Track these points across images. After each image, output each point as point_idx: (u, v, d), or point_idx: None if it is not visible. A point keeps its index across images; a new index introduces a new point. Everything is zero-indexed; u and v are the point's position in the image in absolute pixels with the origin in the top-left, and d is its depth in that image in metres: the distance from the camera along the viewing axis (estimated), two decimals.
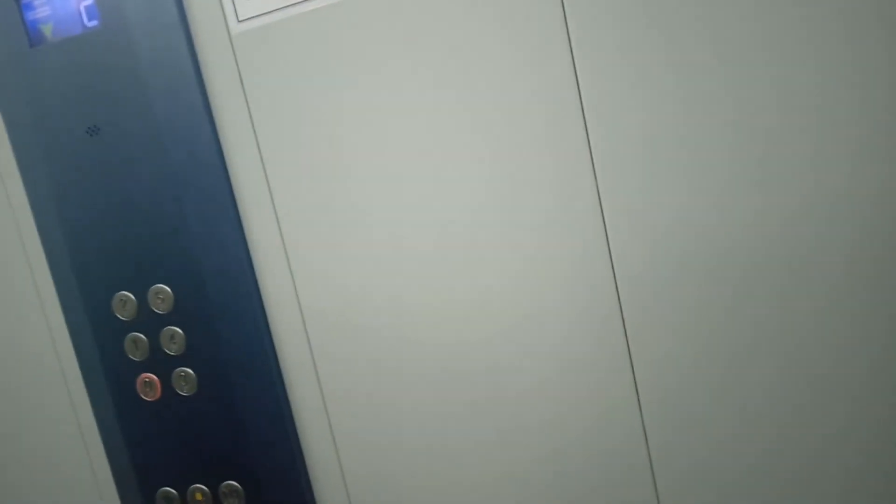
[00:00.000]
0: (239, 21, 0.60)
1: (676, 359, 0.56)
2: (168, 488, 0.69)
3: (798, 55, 0.50)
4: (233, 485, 0.67)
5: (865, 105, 0.49)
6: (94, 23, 0.61)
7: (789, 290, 0.53)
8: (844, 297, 0.52)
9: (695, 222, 0.54)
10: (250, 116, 0.61)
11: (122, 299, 0.66)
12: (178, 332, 0.65)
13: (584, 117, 0.54)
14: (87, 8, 0.61)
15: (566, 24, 0.54)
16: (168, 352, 0.66)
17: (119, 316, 0.66)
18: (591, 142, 0.55)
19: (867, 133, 0.49)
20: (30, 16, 0.63)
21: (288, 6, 0.58)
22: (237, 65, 0.60)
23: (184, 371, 0.66)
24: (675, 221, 0.54)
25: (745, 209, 0.53)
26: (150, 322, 0.66)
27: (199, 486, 0.68)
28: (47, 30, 0.63)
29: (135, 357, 0.67)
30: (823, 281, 0.52)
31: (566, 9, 0.53)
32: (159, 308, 0.65)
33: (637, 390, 0.57)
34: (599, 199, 0.55)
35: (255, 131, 0.61)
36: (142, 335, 0.66)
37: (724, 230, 0.53)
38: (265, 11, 0.59)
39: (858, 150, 0.50)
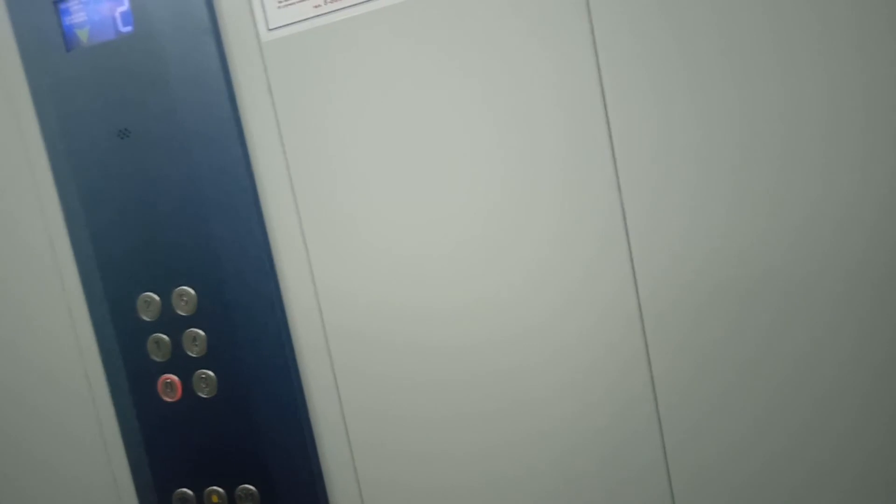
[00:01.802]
0: (269, 29, 0.60)
1: (694, 362, 0.56)
2: (185, 489, 0.69)
3: (814, 71, 0.49)
4: (249, 488, 0.67)
5: (884, 117, 0.49)
6: (128, 28, 0.62)
7: (803, 292, 0.53)
8: (857, 301, 0.51)
9: (714, 224, 0.53)
10: (277, 123, 0.62)
11: (146, 300, 0.67)
12: (200, 333, 0.66)
13: (607, 120, 0.54)
14: (122, 14, 0.62)
15: (593, 34, 0.54)
16: (190, 353, 0.66)
17: (143, 316, 0.67)
18: (614, 144, 0.55)
19: (883, 143, 0.49)
20: (67, 20, 0.64)
21: (317, 16, 0.59)
22: (266, 73, 0.61)
23: (205, 373, 0.66)
24: (695, 223, 0.54)
25: (761, 213, 0.52)
26: (173, 323, 0.66)
27: (215, 488, 0.68)
28: (83, 34, 0.64)
29: (157, 358, 0.68)
30: (837, 284, 0.51)
31: (593, 22, 0.53)
32: (182, 310, 0.66)
33: (655, 392, 0.57)
34: (622, 203, 0.55)
35: (281, 138, 0.62)
36: (164, 336, 0.67)
37: (743, 233, 0.53)
38: (295, 21, 0.59)
39: (871, 160, 0.49)
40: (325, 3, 0.58)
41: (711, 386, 0.56)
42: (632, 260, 0.56)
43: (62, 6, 0.64)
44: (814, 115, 0.50)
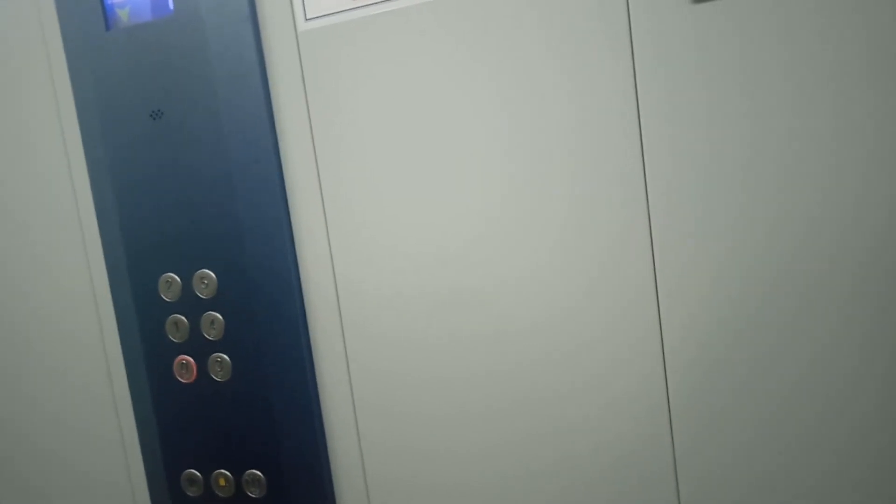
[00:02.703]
0: (307, 19, 0.61)
1: (709, 367, 0.55)
2: (193, 470, 0.70)
3: (824, 96, 0.49)
4: (256, 474, 0.68)
5: None
6: (168, 11, 0.63)
7: (815, 299, 0.52)
8: (863, 311, 0.50)
9: (733, 228, 0.53)
10: (308, 112, 0.62)
11: (167, 280, 0.67)
12: (218, 317, 0.66)
13: (639, 122, 0.54)
14: None
15: (631, 44, 0.53)
16: (207, 336, 0.67)
17: (163, 297, 0.68)
18: (644, 144, 0.54)
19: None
20: (108, 0, 0.65)
21: (355, 8, 0.59)
22: (300, 61, 0.61)
23: (220, 357, 0.67)
24: (717, 226, 0.53)
25: (769, 215, 0.51)
26: (192, 305, 0.67)
27: (223, 471, 0.69)
28: (124, 14, 0.65)
29: (175, 338, 0.68)
30: (849, 290, 0.51)
31: (634, 47, 0.53)
32: (202, 293, 0.66)
33: (668, 396, 0.56)
34: (648, 211, 0.55)
35: (311, 128, 0.62)
36: (183, 317, 0.67)
37: (760, 239, 0.52)
38: (333, 11, 0.60)
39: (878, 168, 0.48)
40: None
41: (725, 390, 0.55)
42: (654, 264, 0.55)
43: None
44: (822, 130, 0.50)
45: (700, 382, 0.55)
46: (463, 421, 0.62)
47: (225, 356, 0.67)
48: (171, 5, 0.63)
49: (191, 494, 0.71)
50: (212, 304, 0.66)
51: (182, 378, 0.69)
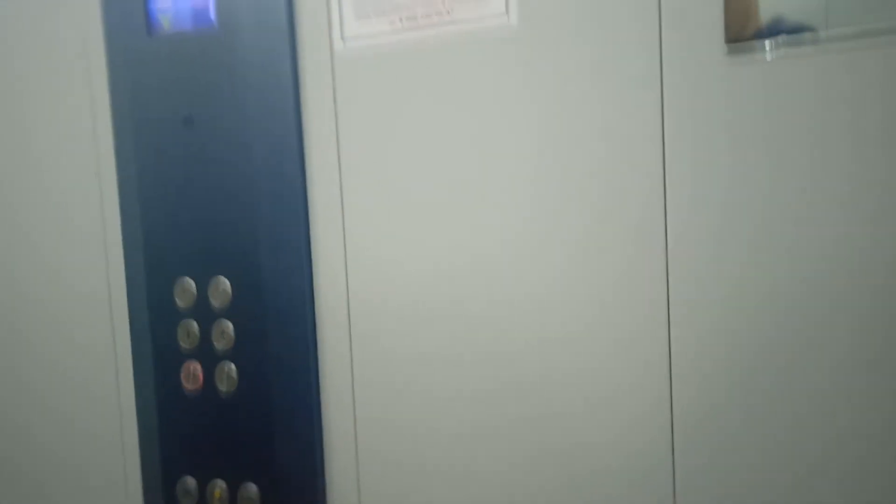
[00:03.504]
0: (343, 39, 0.61)
1: (717, 395, 0.54)
2: (189, 478, 0.70)
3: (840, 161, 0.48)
4: (251, 487, 0.67)
5: None
6: (209, 20, 0.64)
7: (826, 331, 0.51)
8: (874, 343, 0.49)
9: (747, 256, 0.52)
10: (337, 130, 0.62)
11: (183, 285, 0.68)
12: (229, 327, 0.66)
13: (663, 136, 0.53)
14: (206, 6, 0.64)
15: (662, 69, 0.53)
16: (216, 345, 0.67)
17: (178, 301, 0.68)
18: (666, 162, 0.53)
19: None
20: (153, 5, 0.66)
21: (392, 33, 0.59)
22: (334, 80, 0.62)
23: (227, 366, 0.67)
24: (732, 250, 0.52)
25: (783, 252, 0.50)
26: (205, 312, 0.67)
27: (219, 481, 0.68)
28: (166, 21, 0.66)
29: (184, 344, 0.68)
30: (859, 323, 0.49)
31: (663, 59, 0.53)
32: (216, 300, 0.66)
33: (672, 420, 0.55)
34: (666, 230, 0.54)
35: (338, 145, 0.63)
36: (195, 324, 0.68)
37: (771, 273, 0.51)
38: (370, 34, 0.60)
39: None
40: (401, 21, 0.59)
41: (731, 422, 0.54)
42: (668, 297, 0.54)
43: None
44: (838, 188, 0.49)
45: (706, 412, 0.54)
46: (467, 439, 0.61)
47: (232, 366, 0.67)
48: (212, 16, 0.64)
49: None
50: (224, 313, 0.66)
51: (188, 385, 0.69)
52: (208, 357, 0.67)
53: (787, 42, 0.50)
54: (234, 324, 0.66)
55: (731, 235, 0.52)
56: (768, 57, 0.51)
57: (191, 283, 0.67)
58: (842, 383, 0.51)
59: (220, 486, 0.68)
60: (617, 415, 0.56)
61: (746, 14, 0.51)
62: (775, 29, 0.50)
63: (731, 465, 0.54)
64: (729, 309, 0.53)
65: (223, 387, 0.67)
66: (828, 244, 0.50)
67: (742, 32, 0.51)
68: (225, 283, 0.66)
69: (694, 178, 0.53)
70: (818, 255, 0.51)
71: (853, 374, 0.51)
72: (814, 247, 0.51)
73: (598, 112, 0.55)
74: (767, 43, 0.50)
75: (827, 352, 0.51)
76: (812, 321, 0.51)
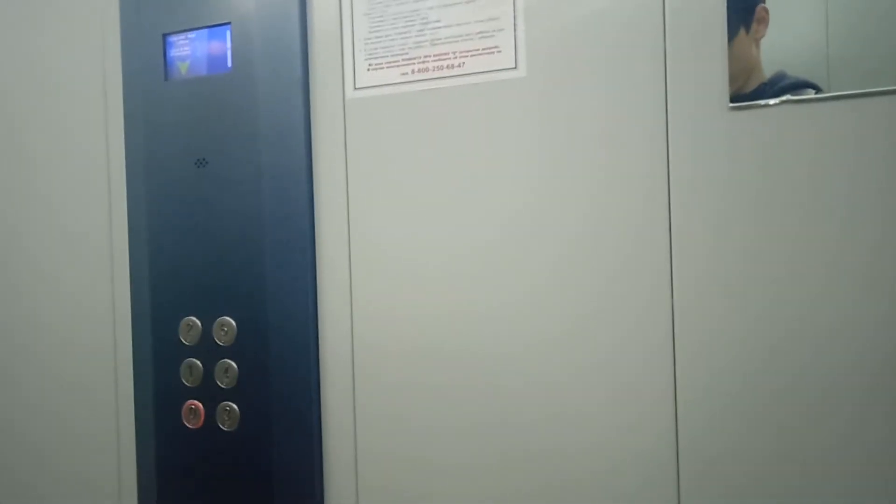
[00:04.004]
0: (355, 88, 0.63)
1: (720, 399, 0.53)
2: None
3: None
4: None
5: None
6: (226, 68, 0.66)
7: (826, 340, 0.50)
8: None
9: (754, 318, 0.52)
10: (346, 177, 0.64)
11: (188, 324, 0.68)
12: (232, 366, 0.66)
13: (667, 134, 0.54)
14: (223, 53, 0.66)
15: (666, 83, 0.54)
16: (220, 384, 0.67)
17: (182, 339, 0.68)
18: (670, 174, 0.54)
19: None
20: (171, 52, 0.68)
21: (402, 83, 0.61)
22: (345, 127, 0.63)
23: (229, 406, 0.67)
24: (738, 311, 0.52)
25: (786, 289, 0.51)
26: (209, 351, 0.67)
27: None
28: (184, 67, 0.68)
29: (187, 382, 0.68)
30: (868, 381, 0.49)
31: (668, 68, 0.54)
32: (221, 340, 0.67)
33: (677, 433, 0.54)
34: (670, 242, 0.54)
35: (347, 193, 0.64)
36: (198, 362, 0.68)
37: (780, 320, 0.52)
38: (381, 84, 0.62)
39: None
40: (413, 73, 0.61)
41: (735, 424, 0.53)
42: (672, 320, 0.54)
43: (169, 38, 0.68)
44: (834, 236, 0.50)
45: (710, 414, 0.54)
46: (467, 470, 0.61)
47: (234, 406, 0.67)
48: (229, 63, 0.66)
49: None
50: (228, 353, 0.67)
51: (189, 423, 0.69)
52: (211, 395, 0.67)
53: (790, 99, 0.51)
54: (237, 363, 0.66)
55: (737, 269, 0.53)
56: (770, 111, 0.52)
57: (196, 322, 0.68)
58: (848, 383, 0.51)
59: None
60: (619, 416, 0.56)
61: (749, 69, 0.52)
62: (777, 83, 0.51)
63: (736, 466, 0.54)
64: (727, 339, 0.53)
65: (224, 426, 0.67)
66: (824, 271, 0.51)
67: (745, 86, 0.52)
68: (230, 322, 0.66)
69: (699, 218, 0.54)
70: (811, 286, 0.51)
71: (859, 375, 0.51)
72: (810, 274, 0.51)
73: (603, 159, 0.56)
74: (770, 100, 0.52)
75: (832, 354, 0.51)
76: (807, 340, 0.52)
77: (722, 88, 0.53)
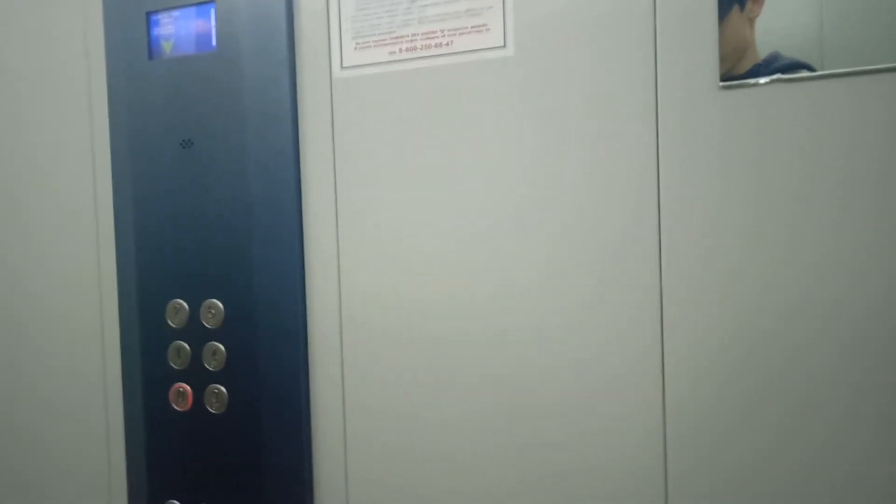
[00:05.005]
0: (342, 68, 0.62)
1: (710, 385, 0.53)
2: (175, 501, 0.69)
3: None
4: None
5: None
6: (210, 47, 0.65)
7: (814, 337, 0.51)
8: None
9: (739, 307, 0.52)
10: (334, 156, 0.63)
11: (175, 307, 0.68)
12: (220, 349, 0.66)
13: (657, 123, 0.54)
14: (208, 32, 0.65)
15: (656, 63, 0.54)
16: (207, 366, 0.67)
17: (170, 322, 0.68)
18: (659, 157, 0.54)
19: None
20: (155, 31, 0.67)
21: (390, 62, 0.60)
22: (332, 107, 0.63)
23: (217, 388, 0.66)
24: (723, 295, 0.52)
25: (771, 278, 0.51)
26: (197, 334, 0.67)
27: None
28: (168, 46, 0.67)
29: (175, 365, 0.68)
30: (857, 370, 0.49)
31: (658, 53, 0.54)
32: (209, 322, 0.66)
33: (665, 416, 0.55)
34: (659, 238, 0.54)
35: (335, 170, 0.63)
36: (186, 345, 0.67)
37: (767, 269, 0.52)
38: (368, 63, 0.61)
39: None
40: (400, 52, 0.60)
41: (723, 419, 0.54)
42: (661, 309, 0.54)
43: (153, 17, 0.67)
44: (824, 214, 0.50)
45: (698, 409, 0.54)
46: (456, 456, 0.61)
47: (223, 388, 0.66)
48: (213, 42, 0.65)
49: None
50: (216, 335, 0.66)
51: (177, 406, 0.68)
52: (199, 378, 0.67)
53: (781, 78, 0.51)
54: (225, 346, 0.66)
55: (724, 244, 0.53)
56: (761, 90, 0.52)
57: (183, 305, 0.67)
58: (836, 379, 0.51)
59: None
60: (608, 408, 0.56)
61: (743, 48, 0.52)
62: (772, 64, 0.51)
63: (724, 461, 0.54)
64: (718, 326, 0.53)
65: (213, 408, 0.67)
66: (817, 257, 0.51)
67: (739, 66, 0.52)
68: (218, 305, 0.66)
69: (687, 196, 0.54)
70: (806, 271, 0.51)
71: (847, 371, 0.51)
72: (803, 260, 0.51)
73: (592, 138, 0.55)
74: (761, 79, 0.51)
75: (819, 350, 0.51)
76: (800, 328, 0.52)
77: (713, 67, 0.52)
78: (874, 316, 0.50)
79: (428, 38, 0.59)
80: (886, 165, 0.49)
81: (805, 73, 0.50)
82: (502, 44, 0.57)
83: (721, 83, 0.52)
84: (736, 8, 0.51)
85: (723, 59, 0.52)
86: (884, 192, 0.49)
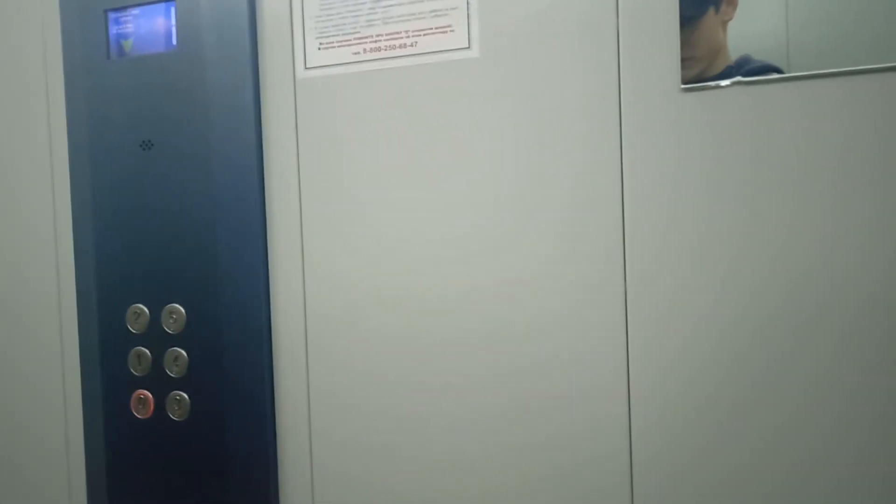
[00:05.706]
0: (306, 68, 0.61)
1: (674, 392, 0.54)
2: None
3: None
4: None
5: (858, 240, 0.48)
6: (171, 45, 0.64)
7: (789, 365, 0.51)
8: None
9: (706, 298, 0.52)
10: (298, 157, 0.62)
11: (136, 311, 0.66)
12: (182, 354, 0.65)
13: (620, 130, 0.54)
14: (168, 31, 0.64)
15: (619, 60, 0.54)
16: (169, 372, 0.65)
17: (130, 328, 0.66)
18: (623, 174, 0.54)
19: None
20: (115, 29, 0.66)
21: (354, 62, 0.60)
22: (295, 107, 0.62)
23: (179, 395, 0.65)
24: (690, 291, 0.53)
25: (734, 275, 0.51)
26: (157, 339, 0.65)
27: None
28: (127, 45, 0.65)
29: (136, 371, 0.66)
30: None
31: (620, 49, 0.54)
32: (170, 328, 0.65)
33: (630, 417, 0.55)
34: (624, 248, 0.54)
35: (299, 171, 0.62)
36: (147, 351, 0.66)
37: (733, 301, 0.52)
38: (332, 63, 0.60)
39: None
40: (364, 52, 0.59)
41: (687, 420, 0.54)
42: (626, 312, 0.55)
43: (112, 15, 0.66)
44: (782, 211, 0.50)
45: (663, 414, 0.54)
46: (436, 467, 0.60)
47: (184, 395, 0.65)
48: (174, 40, 0.63)
49: None
50: (178, 341, 0.65)
51: (138, 413, 0.67)
52: (160, 384, 0.65)
53: (741, 80, 0.51)
54: (187, 351, 0.65)
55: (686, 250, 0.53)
56: (722, 92, 0.52)
57: (144, 310, 0.66)
58: (802, 363, 0.52)
59: None
60: (575, 411, 0.57)
61: (716, 50, 0.52)
62: (743, 67, 0.51)
63: (719, 461, 0.54)
64: (686, 339, 0.54)
65: (175, 415, 0.65)
66: (774, 255, 0.52)
67: (711, 68, 0.52)
68: (179, 310, 0.65)
69: (652, 194, 0.54)
70: (762, 273, 0.52)
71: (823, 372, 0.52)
72: (760, 258, 0.52)
73: (555, 140, 0.55)
74: (722, 81, 0.52)
75: (784, 330, 0.52)
76: (766, 343, 0.52)
77: (674, 70, 0.53)
78: (836, 301, 0.51)
79: (392, 39, 0.59)
80: (844, 167, 0.50)
81: (767, 77, 0.51)
82: (467, 45, 0.57)
83: (682, 86, 0.52)
84: (711, 10, 0.52)
85: (698, 60, 0.52)
86: (842, 194, 0.50)
